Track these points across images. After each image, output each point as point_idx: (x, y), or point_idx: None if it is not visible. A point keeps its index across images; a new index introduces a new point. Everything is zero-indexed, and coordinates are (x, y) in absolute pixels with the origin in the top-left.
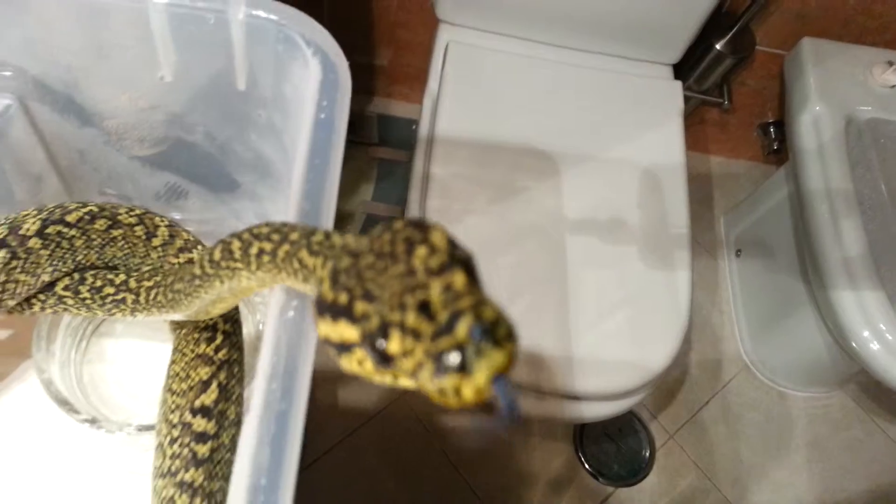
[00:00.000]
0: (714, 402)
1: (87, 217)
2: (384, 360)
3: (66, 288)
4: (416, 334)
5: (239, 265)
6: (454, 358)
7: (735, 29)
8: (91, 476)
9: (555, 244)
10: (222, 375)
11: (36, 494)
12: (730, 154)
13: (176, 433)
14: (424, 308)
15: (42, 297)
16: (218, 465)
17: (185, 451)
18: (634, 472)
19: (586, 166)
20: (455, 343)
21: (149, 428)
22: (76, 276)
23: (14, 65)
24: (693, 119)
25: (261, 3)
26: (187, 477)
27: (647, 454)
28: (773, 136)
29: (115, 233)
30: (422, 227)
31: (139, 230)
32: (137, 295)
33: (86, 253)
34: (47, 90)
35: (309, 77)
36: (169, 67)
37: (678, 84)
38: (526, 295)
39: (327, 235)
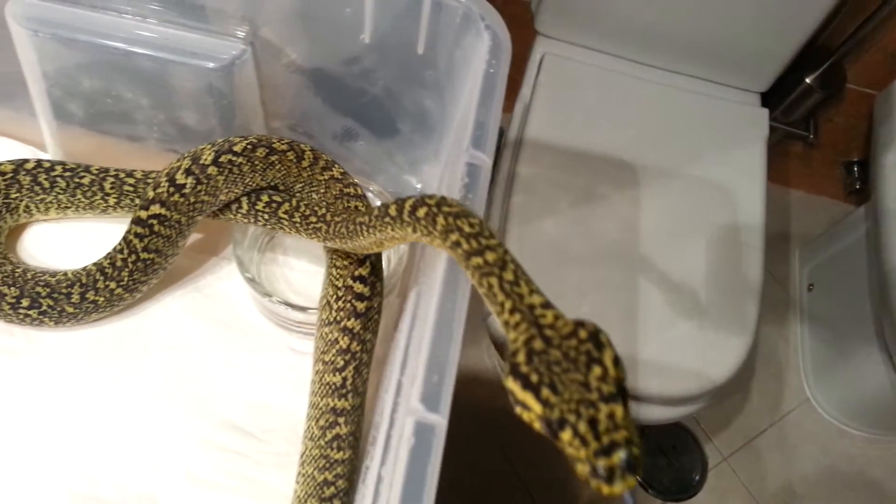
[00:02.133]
0: (771, 431)
1: (249, 147)
2: (553, 435)
3: (249, 203)
4: (583, 440)
5: (435, 236)
6: (605, 473)
7: (827, 64)
8: (262, 351)
9: (629, 250)
10: (374, 257)
11: (213, 361)
12: (810, 189)
13: (340, 293)
14: (593, 424)
15: (234, 208)
16: (370, 321)
17: (348, 305)
18: (684, 488)
19: (667, 182)
20: (609, 465)
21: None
22: (255, 195)
23: (249, 18)
24: (776, 150)
25: None
26: (349, 324)
27: (699, 474)
28: (857, 175)
29: (272, 158)
30: (596, 340)
31: (290, 155)
32: (328, 224)
33: (252, 176)
34: (270, 44)
35: (481, 45)
36: (369, 32)
37: (765, 112)
38: (597, 293)
39: (516, 276)
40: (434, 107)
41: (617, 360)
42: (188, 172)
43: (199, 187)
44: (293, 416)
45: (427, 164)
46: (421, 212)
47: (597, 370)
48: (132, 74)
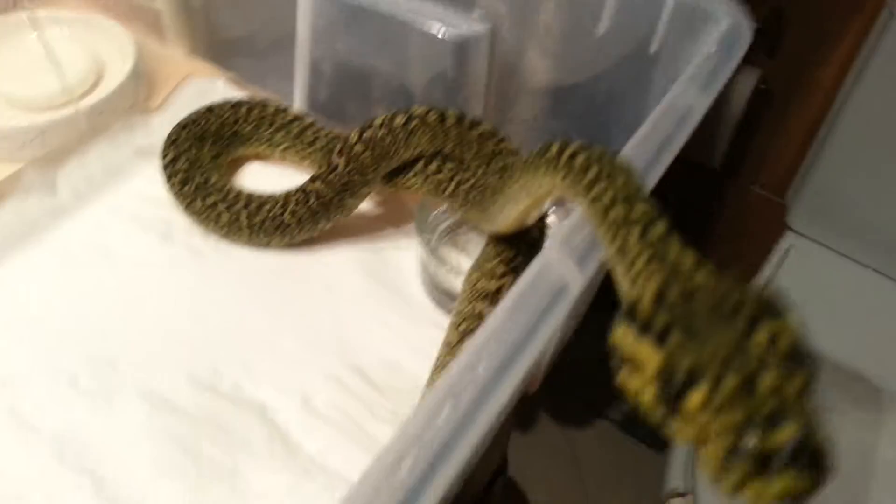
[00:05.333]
0: None
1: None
2: (669, 403)
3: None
4: (723, 404)
5: (580, 187)
6: (755, 454)
7: None
8: (414, 321)
9: None
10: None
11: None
12: None
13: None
14: (748, 383)
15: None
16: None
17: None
18: None
19: None
20: (765, 444)
21: None
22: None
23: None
24: None
25: None
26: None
27: None
28: None
29: (413, 124)
30: (770, 307)
31: (432, 116)
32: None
33: (394, 148)
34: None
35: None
36: (605, 28)
37: None
38: None
39: (668, 233)
40: (648, 109)
41: (800, 336)
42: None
43: (349, 166)
44: (420, 386)
45: None
46: (580, 158)
47: (762, 335)
48: (380, 36)
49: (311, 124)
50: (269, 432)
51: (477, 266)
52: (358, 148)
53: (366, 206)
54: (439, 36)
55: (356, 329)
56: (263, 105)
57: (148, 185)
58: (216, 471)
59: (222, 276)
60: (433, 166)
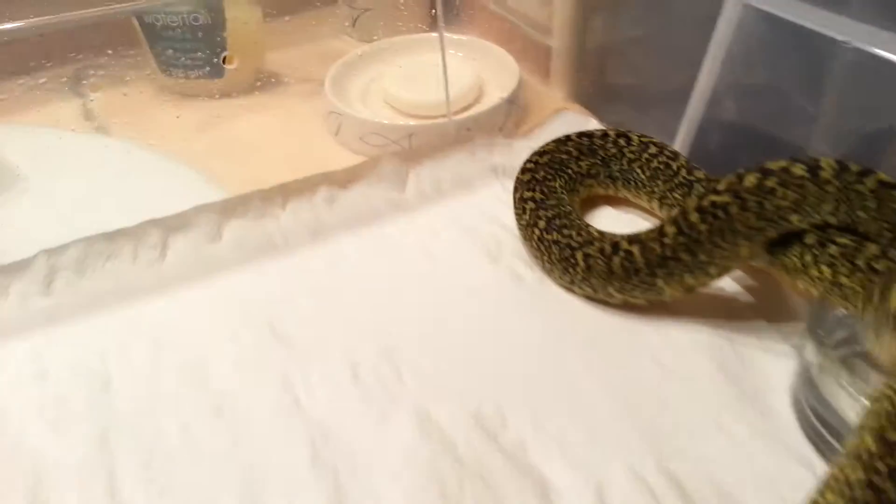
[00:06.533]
0: None
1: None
2: None
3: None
4: None
5: None
6: None
7: None
8: None
9: None
10: None
11: None
12: None
13: None
14: None
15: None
16: None
17: None
18: None
19: None
20: None
21: None
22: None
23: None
24: None
25: None
26: None
27: None
28: None
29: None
30: None
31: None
32: None
33: None
34: None
35: None
36: None
37: None
38: None
39: None
40: None
41: None
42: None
43: (680, 238)
44: None
45: None
46: None
47: None
48: (823, 72)
49: (685, 165)
50: None
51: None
52: (693, 218)
53: (737, 282)
54: None
55: (684, 425)
56: (635, 140)
57: (493, 202)
58: None
59: (540, 312)
60: (819, 237)
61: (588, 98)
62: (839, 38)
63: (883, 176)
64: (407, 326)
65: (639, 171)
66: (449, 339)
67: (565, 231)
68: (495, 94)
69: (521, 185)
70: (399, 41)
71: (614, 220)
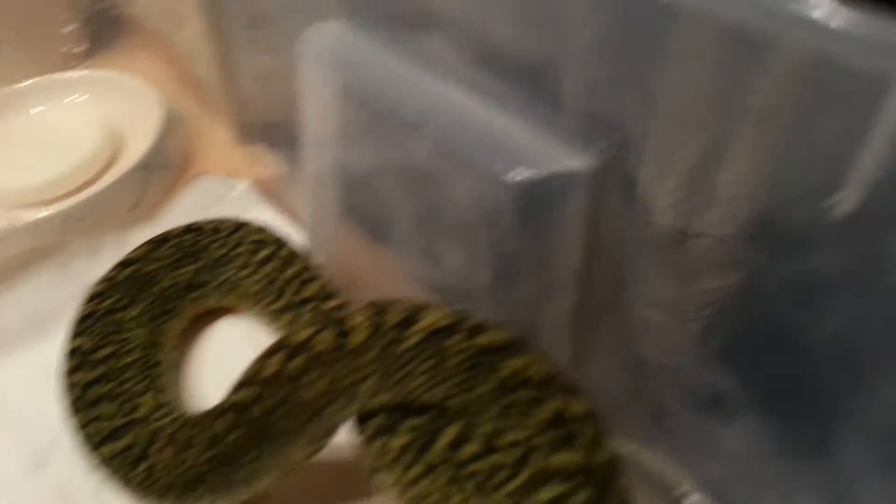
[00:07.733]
0: None
1: None
2: None
3: None
4: None
5: None
6: None
7: None
8: None
9: None
10: None
11: None
12: None
13: None
14: None
15: None
16: None
17: None
18: None
19: None
20: None
21: None
22: None
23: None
24: None
25: None
26: None
27: None
28: None
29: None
30: None
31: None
32: None
33: None
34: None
35: None
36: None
37: None
38: None
39: None
40: None
41: None
42: None
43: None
44: None
45: None
46: None
47: None
48: (407, 165)
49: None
50: None
51: None
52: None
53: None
54: (501, 175)
55: None
56: (249, 237)
57: None
58: None
59: None
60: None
61: (261, 138)
62: None
63: (430, 320)
64: None
65: (249, 280)
66: None
67: (104, 404)
68: (135, 154)
69: (73, 327)
70: None
71: (238, 340)
